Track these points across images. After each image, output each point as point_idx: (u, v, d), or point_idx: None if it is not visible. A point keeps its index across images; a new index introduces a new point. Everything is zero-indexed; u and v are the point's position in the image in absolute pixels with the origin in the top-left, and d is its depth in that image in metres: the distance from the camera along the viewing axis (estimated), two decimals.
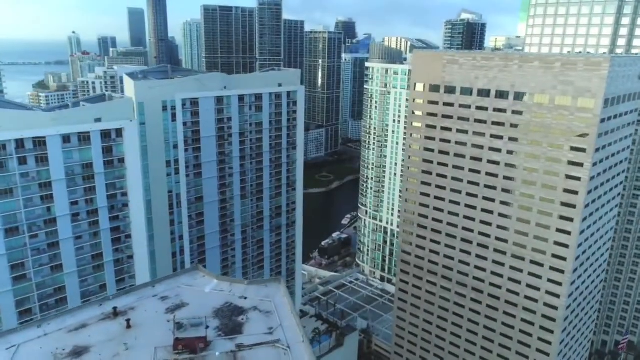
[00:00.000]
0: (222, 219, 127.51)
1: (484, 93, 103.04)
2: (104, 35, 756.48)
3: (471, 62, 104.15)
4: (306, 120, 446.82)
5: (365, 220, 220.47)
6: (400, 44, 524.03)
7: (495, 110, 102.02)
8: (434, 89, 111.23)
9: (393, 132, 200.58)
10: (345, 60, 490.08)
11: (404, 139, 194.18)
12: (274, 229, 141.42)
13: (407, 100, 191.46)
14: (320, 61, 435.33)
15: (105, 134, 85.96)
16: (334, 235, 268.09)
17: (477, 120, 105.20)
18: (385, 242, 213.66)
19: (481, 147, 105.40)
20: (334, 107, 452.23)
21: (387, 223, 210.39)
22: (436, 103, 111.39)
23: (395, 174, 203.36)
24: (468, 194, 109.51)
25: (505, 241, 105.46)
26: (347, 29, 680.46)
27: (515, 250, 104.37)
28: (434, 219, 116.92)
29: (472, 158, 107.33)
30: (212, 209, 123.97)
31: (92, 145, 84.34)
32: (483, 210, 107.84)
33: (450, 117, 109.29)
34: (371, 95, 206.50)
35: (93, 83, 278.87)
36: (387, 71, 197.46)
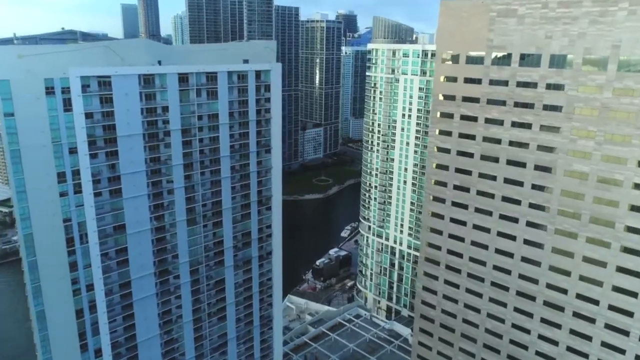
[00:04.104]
0: (158, 255, 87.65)
1: (561, 62, 63.15)
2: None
3: (539, 11, 64.08)
4: (303, 118, 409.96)
5: (367, 237, 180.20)
6: None
7: (580, 90, 62.16)
8: (474, 60, 71.40)
9: (402, 129, 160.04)
10: (346, 53, 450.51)
11: (416, 137, 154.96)
12: (240, 264, 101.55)
13: (420, 89, 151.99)
14: (318, 54, 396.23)
15: None
16: (332, 252, 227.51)
17: (547, 107, 65.47)
18: (392, 265, 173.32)
19: (553, 151, 65.67)
20: (333, 104, 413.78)
21: (395, 242, 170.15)
22: (477, 81, 71.53)
23: (405, 182, 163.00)
24: (530, 224, 69.73)
25: (596, 302, 65.54)
26: (348, 22, 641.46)
27: (613, 318, 64.42)
28: (472, 260, 77.18)
29: (539, 168, 67.55)
30: (141, 242, 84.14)
31: None
32: (555, 251, 68.02)
33: (502, 103, 69.47)
34: (374, 84, 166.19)
35: None
36: (394, 53, 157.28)
